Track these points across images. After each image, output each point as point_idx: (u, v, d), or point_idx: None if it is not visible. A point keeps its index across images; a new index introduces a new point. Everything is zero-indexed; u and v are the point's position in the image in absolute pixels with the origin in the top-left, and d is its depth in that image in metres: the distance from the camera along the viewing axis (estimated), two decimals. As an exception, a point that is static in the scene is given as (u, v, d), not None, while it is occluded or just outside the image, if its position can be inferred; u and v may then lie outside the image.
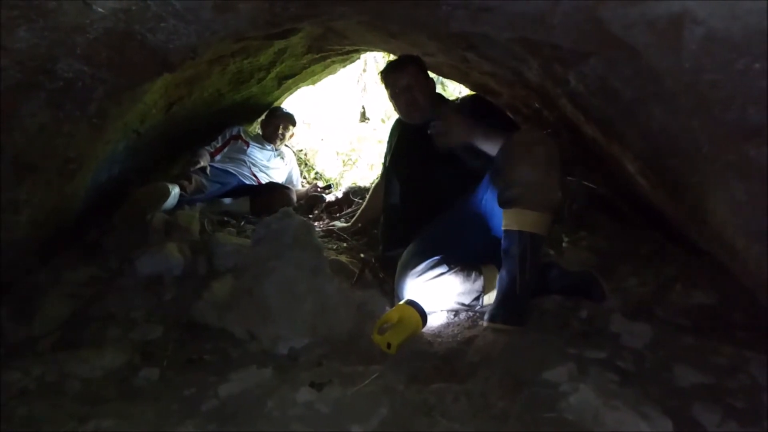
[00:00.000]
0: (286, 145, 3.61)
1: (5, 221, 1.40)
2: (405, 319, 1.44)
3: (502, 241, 1.52)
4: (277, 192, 3.08)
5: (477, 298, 1.60)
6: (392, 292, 1.76)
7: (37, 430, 1.07)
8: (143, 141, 2.23)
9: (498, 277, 1.53)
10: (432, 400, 1.10)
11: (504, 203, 1.52)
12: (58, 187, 1.60)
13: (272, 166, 3.34)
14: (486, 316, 1.48)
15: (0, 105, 1.15)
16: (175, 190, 2.42)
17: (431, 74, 2.18)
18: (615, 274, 1.75)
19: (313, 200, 3.34)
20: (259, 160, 3.24)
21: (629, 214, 2.16)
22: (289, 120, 3.51)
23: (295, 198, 3.17)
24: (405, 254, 1.74)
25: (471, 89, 2.78)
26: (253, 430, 1.03)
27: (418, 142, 2.03)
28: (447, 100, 2.20)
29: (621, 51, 1.07)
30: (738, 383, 1.12)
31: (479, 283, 1.60)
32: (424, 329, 1.49)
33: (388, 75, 2.09)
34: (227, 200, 2.93)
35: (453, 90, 5.03)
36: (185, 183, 2.61)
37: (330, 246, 2.32)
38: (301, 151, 4.77)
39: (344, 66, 3.65)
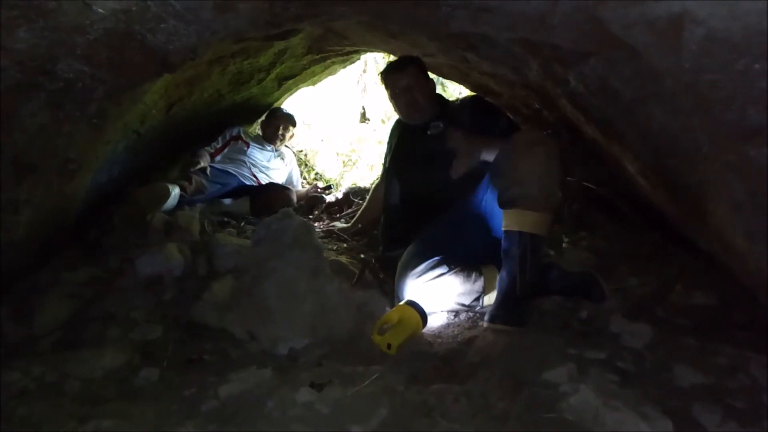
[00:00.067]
0: (286, 146, 3.62)
1: (5, 221, 1.40)
2: (405, 319, 1.44)
3: (503, 242, 1.52)
4: (277, 193, 3.08)
5: (477, 299, 1.60)
6: (392, 293, 1.76)
7: (37, 430, 1.07)
8: (143, 141, 2.23)
9: (498, 277, 1.53)
10: (432, 400, 1.10)
11: (504, 204, 1.52)
12: (58, 187, 1.60)
13: (272, 166, 3.34)
14: (486, 317, 1.48)
15: (0, 105, 1.15)
16: (175, 191, 2.42)
17: (431, 75, 2.18)
18: (615, 274, 1.75)
19: (313, 201, 3.35)
20: (259, 161, 3.24)
21: (629, 214, 2.16)
22: (290, 121, 3.51)
23: (295, 199, 3.17)
24: (405, 255, 1.74)
25: (471, 90, 2.78)
26: (253, 431, 1.03)
27: (418, 143, 2.03)
28: (447, 102, 2.20)
29: (621, 51, 1.07)
30: (738, 383, 1.12)
31: (479, 284, 1.60)
32: (425, 330, 1.49)
33: (388, 75, 2.09)
34: (227, 201, 2.93)
35: (453, 90, 5.03)
36: (185, 183, 2.61)
37: (330, 246, 2.32)
38: (301, 151, 4.77)
39: (344, 67, 3.65)
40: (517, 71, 1.81)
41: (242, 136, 3.26)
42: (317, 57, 2.87)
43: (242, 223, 2.69)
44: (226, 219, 2.71)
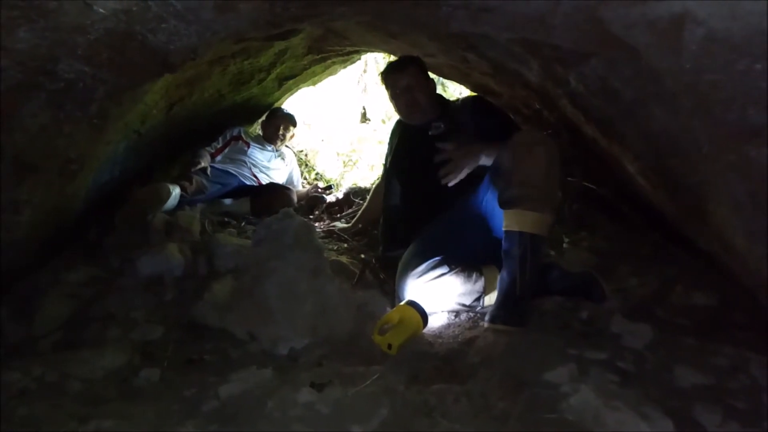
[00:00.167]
0: (286, 146, 3.61)
1: (5, 221, 1.40)
2: (406, 319, 1.44)
3: (503, 242, 1.52)
4: (277, 193, 3.08)
5: (478, 299, 1.60)
6: (393, 293, 1.76)
7: (37, 430, 1.07)
8: (144, 141, 2.23)
9: (499, 277, 1.53)
10: (433, 400, 1.10)
11: (504, 204, 1.52)
12: (59, 187, 1.60)
13: (273, 166, 3.34)
14: (487, 317, 1.48)
15: (0, 105, 1.15)
16: (175, 191, 2.42)
17: (432, 75, 2.18)
18: (615, 274, 1.75)
19: (313, 201, 3.35)
20: (259, 161, 3.24)
21: (629, 214, 2.16)
22: (290, 121, 3.51)
23: (295, 199, 3.17)
24: (406, 255, 1.74)
25: (471, 90, 2.78)
26: (254, 431, 1.03)
27: (419, 143, 2.03)
28: (448, 102, 2.20)
29: (621, 51, 1.08)
30: (738, 384, 1.12)
31: (480, 284, 1.60)
32: (425, 330, 1.49)
33: (388, 76, 2.09)
34: (228, 201, 2.93)
35: (453, 90, 5.03)
36: (186, 184, 2.61)
37: (330, 247, 2.33)
38: (302, 151, 4.77)
39: (345, 67, 3.65)
40: (517, 71, 1.80)
41: (243, 136, 3.26)
42: (317, 57, 2.87)
43: (243, 223, 2.68)
44: (226, 219, 2.71)
